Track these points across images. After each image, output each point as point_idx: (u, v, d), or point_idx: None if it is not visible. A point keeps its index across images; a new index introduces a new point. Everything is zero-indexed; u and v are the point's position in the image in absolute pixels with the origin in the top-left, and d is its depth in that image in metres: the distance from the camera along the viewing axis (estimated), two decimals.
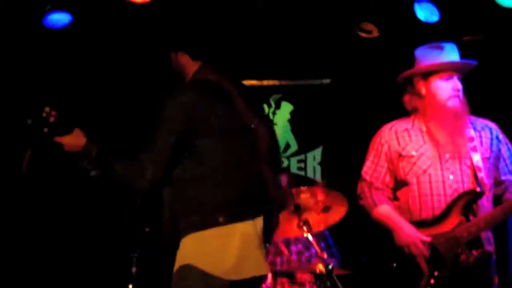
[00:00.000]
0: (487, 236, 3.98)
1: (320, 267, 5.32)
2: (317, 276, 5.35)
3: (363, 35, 6.32)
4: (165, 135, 3.36)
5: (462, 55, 4.25)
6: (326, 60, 6.98)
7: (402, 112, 4.57)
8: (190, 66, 3.61)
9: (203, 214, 3.31)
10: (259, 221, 3.37)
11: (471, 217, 3.84)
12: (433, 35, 5.82)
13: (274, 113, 7.27)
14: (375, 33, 6.27)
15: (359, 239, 6.55)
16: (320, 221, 5.42)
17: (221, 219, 3.28)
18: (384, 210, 4.19)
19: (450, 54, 4.12)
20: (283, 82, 7.30)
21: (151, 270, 5.94)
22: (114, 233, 5.96)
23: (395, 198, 4.21)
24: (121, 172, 3.42)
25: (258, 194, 3.41)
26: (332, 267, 5.29)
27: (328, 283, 5.41)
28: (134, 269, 5.69)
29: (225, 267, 3.27)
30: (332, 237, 6.03)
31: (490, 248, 3.97)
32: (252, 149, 3.44)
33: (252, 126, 3.46)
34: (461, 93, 4.09)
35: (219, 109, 3.40)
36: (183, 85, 3.61)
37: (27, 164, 3.61)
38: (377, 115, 6.72)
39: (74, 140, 3.50)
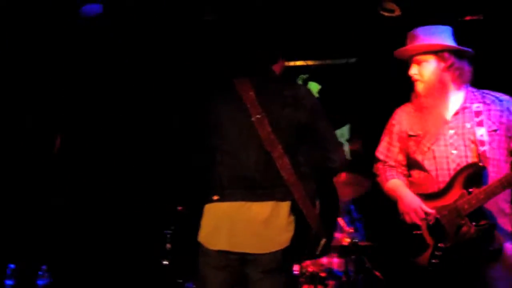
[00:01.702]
0: (499, 207, 3.99)
1: (346, 240, 5.51)
2: (342, 249, 5.53)
3: (386, 14, 6.37)
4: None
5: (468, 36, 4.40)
6: (351, 40, 7.02)
7: None
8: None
9: (206, 193, 3.77)
10: (260, 206, 3.66)
11: (472, 190, 3.90)
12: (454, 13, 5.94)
13: None
14: (397, 12, 6.32)
15: (384, 212, 6.70)
16: (343, 193, 5.57)
17: (215, 197, 3.70)
18: (393, 184, 4.32)
19: (420, 37, 4.25)
20: (310, 63, 7.41)
21: (184, 247, 6.15)
22: (149, 211, 6.14)
23: (409, 175, 4.34)
24: None
25: (255, 180, 3.69)
26: (357, 240, 5.49)
27: (353, 256, 5.61)
28: (168, 246, 5.94)
29: (206, 237, 3.73)
30: (357, 211, 6.18)
31: (504, 219, 3.98)
32: (250, 139, 3.71)
33: (253, 118, 3.72)
34: (419, 76, 4.23)
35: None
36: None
37: (58, 147, 3.88)
38: (401, 92, 6.88)
39: None
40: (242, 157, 3.71)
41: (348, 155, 7.14)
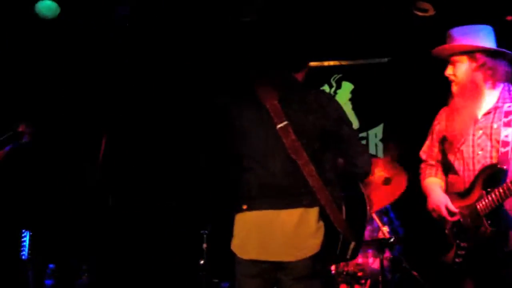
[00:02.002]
0: None
1: (382, 239, 5.52)
2: (379, 248, 5.54)
3: (419, 13, 6.39)
4: None
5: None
6: (384, 40, 7.05)
7: None
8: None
9: (236, 202, 3.76)
10: (289, 213, 3.65)
11: (490, 190, 3.88)
12: (489, 13, 5.93)
13: (335, 93, 7.42)
14: (431, 12, 6.34)
15: (422, 213, 6.71)
16: (382, 196, 5.57)
17: (244, 207, 3.70)
18: (428, 181, 4.33)
19: (454, 37, 4.26)
20: (343, 62, 7.44)
21: (220, 247, 6.21)
22: (186, 212, 6.21)
23: (446, 175, 4.35)
24: None
25: (282, 187, 3.68)
26: (394, 240, 5.50)
27: (390, 255, 5.62)
28: (204, 245, 6.00)
29: (238, 246, 3.74)
30: (395, 211, 6.19)
31: None
32: (276, 147, 3.71)
33: (277, 127, 3.70)
34: (453, 77, 4.23)
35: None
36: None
37: (103, 151, 3.94)
38: (435, 91, 6.88)
39: None
40: (269, 166, 3.72)
41: (381, 154, 7.17)
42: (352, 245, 3.80)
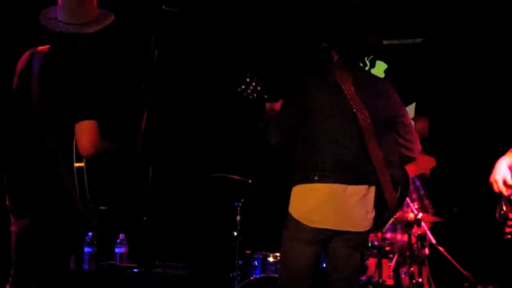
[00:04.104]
0: None
1: (411, 215, 5.62)
2: (408, 225, 5.64)
3: None
4: None
5: None
6: (418, 20, 7.14)
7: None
8: None
9: (304, 172, 4.00)
10: (355, 189, 3.96)
11: None
12: None
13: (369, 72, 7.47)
14: None
15: (453, 191, 6.80)
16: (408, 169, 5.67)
17: (316, 178, 3.93)
18: (503, 157, 4.10)
19: None
20: None
21: (254, 219, 6.38)
22: (220, 185, 6.30)
23: None
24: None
25: (352, 164, 3.97)
26: (421, 216, 5.60)
27: (419, 231, 5.72)
28: (238, 218, 6.15)
29: (306, 215, 3.97)
30: (423, 187, 6.30)
31: None
32: (352, 128, 3.97)
33: (354, 109, 3.96)
34: None
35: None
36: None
37: (145, 123, 4.08)
38: (466, 72, 6.97)
39: (277, 107, 4.26)
40: (345, 144, 3.96)
41: None
42: (392, 219, 4.26)
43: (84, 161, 3.81)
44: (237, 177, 6.12)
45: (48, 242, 3.78)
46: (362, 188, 3.99)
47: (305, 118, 4.03)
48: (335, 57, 4.23)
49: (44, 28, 3.91)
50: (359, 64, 4.27)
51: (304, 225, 3.95)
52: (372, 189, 4.03)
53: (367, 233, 4.15)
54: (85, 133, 3.74)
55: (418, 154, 4.29)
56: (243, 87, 4.30)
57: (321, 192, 3.93)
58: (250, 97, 4.31)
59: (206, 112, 7.43)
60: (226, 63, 7.28)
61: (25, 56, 3.99)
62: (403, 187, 4.17)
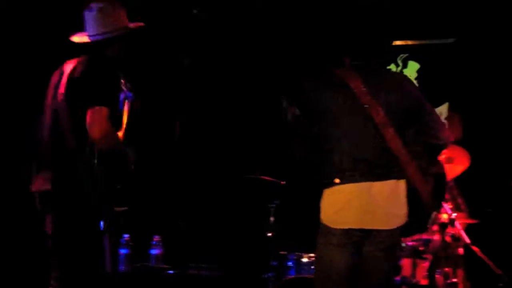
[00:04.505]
0: None
1: (444, 216, 5.59)
2: (442, 225, 5.61)
3: None
4: None
5: None
6: (450, 20, 7.12)
7: None
8: None
9: (326, 177, 3.93)
10: (381, 185, 3.86)
11: None
12: None
13: (401, 72, 7.44)
14: None
15: (487, 191, 6.76)
16: (450, 170, 5.63)
17: (337, 181, 3.86)
18: None
19: None
20: (410, 42, 7.50)
21: (287, 220, 6.39)
22: (254, 186, 6.33)
23: None
24: None
25: (372, 161, 3.86)
26: (455, 216, 5.56)
27: (452, 232, 5.68)
28: (272, 219, 6.17)
29: (333, 217, 3.90)
30: (459, 189, 6.26)
31: None
32: (367, 124, 3.88)
33: (365, 105, 3.88)
34: None
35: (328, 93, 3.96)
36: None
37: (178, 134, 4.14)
38: (498, 72, 6.93)
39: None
40: (359, 141, 3.87)
41: None
42: (434, 214, 4.04)
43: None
44: (270, 179, 6.15)
45: (72, 240, 3.88)
46: (389, 183, 3.88)
47: (317, 123, 3.99)
48: (346, 61, 4.12)
49: (74, 44, 4.08)
50: (370, 63, 4.11)
51: (332, 228, 3.89)
52: (402, 183, 3.91)
53: (400, 231, 3.97)
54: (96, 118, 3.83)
55: (449, 142, 4.16)
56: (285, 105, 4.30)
57: (345, 194, 3.87)
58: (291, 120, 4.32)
59: (241, 114, 7.47)
60: (256, 66, 7.33)
61: (58, 70, 4.15)
62: (437, 179, 4.08)
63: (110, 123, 3.91)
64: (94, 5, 4.12)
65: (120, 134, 4.18)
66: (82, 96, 3.91)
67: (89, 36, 4.14)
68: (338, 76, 4.00)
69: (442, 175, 4.17)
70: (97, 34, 4.11)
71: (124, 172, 4.18)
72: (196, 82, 6.85)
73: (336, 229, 3.88)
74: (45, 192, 3.98)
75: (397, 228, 3.93)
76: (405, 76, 4.26)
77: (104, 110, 3.86)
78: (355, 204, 3.85)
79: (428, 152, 4.07)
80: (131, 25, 4.23)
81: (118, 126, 4.13)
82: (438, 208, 4.05)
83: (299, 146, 4.10)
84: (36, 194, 4.06)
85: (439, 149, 4.14)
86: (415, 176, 3.89)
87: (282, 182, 6.11)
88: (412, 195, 3.91)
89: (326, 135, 3.95)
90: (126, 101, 4.22)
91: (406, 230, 4.03)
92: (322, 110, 3.95)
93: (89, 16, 4.13)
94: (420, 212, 3.98)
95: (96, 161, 3.93)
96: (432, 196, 3.98)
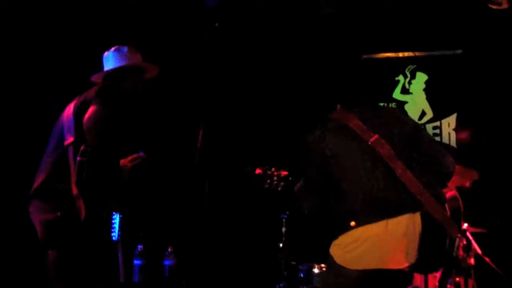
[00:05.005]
0: None
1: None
2: None
3: (493, 6, 6.43)
4: None
5: None
6: (458, 32, 7.18)
7: None
8: None
9: (340, 222, 3.85)
10: (396, 221, 3.76)
11: None
12: None
13: (409, 83, 7.54)
14: (505, 5, 6.38)
15: (496, 201, 6.80)
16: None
17: (352, 224, 3.78)
18: None
19: None
20: (418, 54, 7.54)
21: (299, 231, 6.44)
22: (266, 197, 6.37)
23: None
24: None
25: (385, 198, 3.78)
26: (466, 227, 5.61)
27: (464, 241, 5.72)
28: (284, 229, 6.21)
29: (346, 258, 3.80)
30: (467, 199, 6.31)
31: None
32: (374, 160, 3.82)
33: (370, 142, 3.84)
34: None
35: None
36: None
37: (201, 138, 4.20)
38: (506, 83, 6.99)
39: None
40: (371, 180, 3.81)
41: (454, 144, 7.28)
42: (457, 241, 3.90)
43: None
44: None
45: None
46: (404, 218, 3.77)
47: (326, 171, 3.91)
48: (338, 107, 4.12)
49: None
50: (358, 101, 4.11)
51: (347, 269, 3.81)
52: (417, 216, 3.78)
53: (414, 268, 3.90)
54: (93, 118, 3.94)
55: (454, 167, 4.05)
56: (268, 181, 4.35)
57: (359, 237, 3.78)
58: (279, 188, 4.35)
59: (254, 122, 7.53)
60: (281, 75, 7.39)
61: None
62: (454, 207, 4.05)
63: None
64: (112, 48, 4.45)
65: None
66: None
67: (106, 71, 4.42)
68: (336, 121, 3.98)
69: (456, 200, 4.17)
70: (112, 68, 4.39)
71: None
72: (220, 91, 6.92)
73: (351, 270, 3.81)
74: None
75: (412, 265, 3.83)
76: (397, 109, 4.23)
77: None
78: (372, 246, 3.77)
79: (437, 180, 4.01)
80: (146, 64, 4.50)
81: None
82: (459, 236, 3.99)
83: (304, 202, 4.08)
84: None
85: (446, 177, 4.09)
86: (432, 206, 3.78)
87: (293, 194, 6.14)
88: (431, 226, 3.79)
89: (337, 181, 3.88)
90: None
91: (434, 265, 4.06)
92: (328, 158, 3.89)
93: (106, 57, 4.45)
94: (442, 242, 3.83)
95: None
96: (453, 223, 3.85)
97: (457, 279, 5.56)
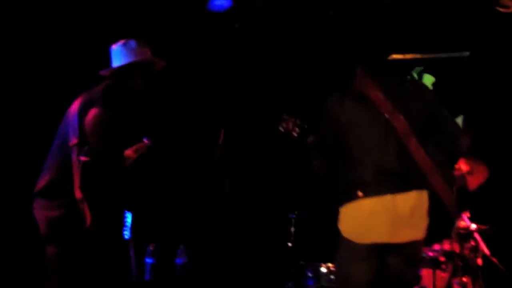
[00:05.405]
0: None
1: (462, 225, 5.65)
2: (460, 235, 5.68)
3: (501, 9, 6.48)
4: None
5: None
6: (466, 34, 7.19)
7: None
8: None
9: (348, 190, 3.90)
10: (404, 197, 3.82)
11: None
12: None
13: None
14: None
15: (504, 200, 6.84)
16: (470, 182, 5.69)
17: (360, 194, 3.83)
18: None
19: None
20: (425, 56, 7.54)
21: (308, 230, 6.47)
22: (275, 196, 6.42)
23: None
24: None
25: (395, 172, 3.83)
26: (475, 228, 5.64)
27: (472, 241, 5.76)
28: (292, 229, 6.26)
29: (356, 232, 3.88)
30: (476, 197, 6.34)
31: None
32: (389, 134, 3.86)
33: (386, 115, 3.87)
34: None
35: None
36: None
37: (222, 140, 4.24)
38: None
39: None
40: (383, 153, 3.83)
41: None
42: (456, 223, 4.01)
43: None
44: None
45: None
46: (412, 195, 3.82)
47: (340, 137, 3.95)
48: (360, 73, 4.11)
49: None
50: (384, 73, 4.09)
51: (356, 243, 3.86)
52: (424, 194, 3.86)
53: (422, 242, 3.95)
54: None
55: (464, 149, 4.19)
56: (284, 125, 4.38)
57: (367, 208, 3.82)
58: (294, 133, 4.36)
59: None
60: (298, 79, 7.42)
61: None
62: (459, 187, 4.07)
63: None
64: (120, 42, 4.40)
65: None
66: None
67: (114, 67, 4.38)
68: (358, 88, 3.99)
69: (464, 183, 4.18)
70: (120, 65, 4.35)
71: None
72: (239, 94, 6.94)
73: (360, 244, 3.85)
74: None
75: (420, 240, 3.90)
76: (423, 84, 4.24)
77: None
78: (380, 218, 3.80)
79: (450, 161, 4.06)
80: (155, 59, 4.47)
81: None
82: (459, 215, 4.05)
83: (314, 158, 4.12)
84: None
85: (457, 157, 4.16)
86: (440, 186, 3.83)
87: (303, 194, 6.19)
88: (435, 205, 3.87)
89: (349, 148, 3.91)
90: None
91: (430, 239, 4.01)
92: (344, 124, 3.92)
93: (115, 51, 4.41)
94: (443, 221, 3.94)
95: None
96: (456, 206, 3.94)
97: (465, 279, 5.58)
